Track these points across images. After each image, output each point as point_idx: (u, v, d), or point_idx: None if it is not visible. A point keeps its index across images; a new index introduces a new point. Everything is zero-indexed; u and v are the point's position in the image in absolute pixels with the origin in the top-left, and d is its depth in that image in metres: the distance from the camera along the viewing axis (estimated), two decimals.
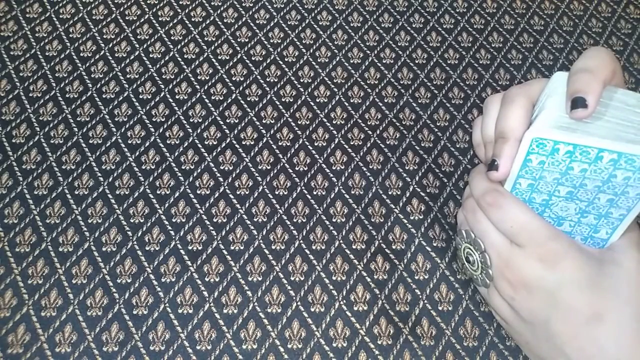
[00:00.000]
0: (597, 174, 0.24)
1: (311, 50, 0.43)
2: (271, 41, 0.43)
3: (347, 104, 0.40)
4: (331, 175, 0.37)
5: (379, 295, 0.33)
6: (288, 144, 0.38)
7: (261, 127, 0.39)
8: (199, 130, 0.38)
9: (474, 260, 0.28)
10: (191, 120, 0.39)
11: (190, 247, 0.34)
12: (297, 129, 0.39)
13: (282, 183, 0.37)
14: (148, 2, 0.44)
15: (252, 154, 0.38)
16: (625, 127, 0.23)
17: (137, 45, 0.42)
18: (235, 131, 0.39)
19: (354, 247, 0.35)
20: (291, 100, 0.40)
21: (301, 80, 0.41)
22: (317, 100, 0.40)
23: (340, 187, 0.37)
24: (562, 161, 0.24)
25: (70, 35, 0.42)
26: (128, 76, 0.41)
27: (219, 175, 0.37)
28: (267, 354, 0.31)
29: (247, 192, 0.36)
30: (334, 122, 0.39)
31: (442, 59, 0.43)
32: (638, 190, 0.24)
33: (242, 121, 0.39)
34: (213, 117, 0.39)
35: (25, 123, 0.38)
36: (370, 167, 0.38)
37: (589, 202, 0.25)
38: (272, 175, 0.37)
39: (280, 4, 0.45)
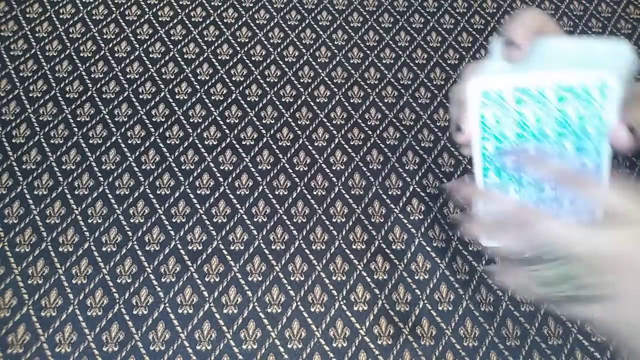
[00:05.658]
0: (549, 116, 0.24)
1: (311, 50, 0.43)
2: (271, 41, 0.43)
3: (347, 104, 0.40)
4: (331, 175, 0.37)
5: (379, 295, 0.33)
6: (288, 144, 0.38)
7: (261, 127, 0.39)
8: (199, 130, 0.38)
9: (565, 276, 0.22)
10: (191, 120, 0.39)
11: (190, 247, 0.34)
12: (297, 129, 0.39)
13: (282, 183, 0.37)
14: (148, 2, 0.44)
15: (252, 154, 0.38)
16: (560, 65, 0.24)
17: (137, 45, 0.42)
18: (235, 131, 0.39)
19: (354, 247, 0.35)
20: (291, 100, 0.40)
21: (301, 80, 0.41)
22: (317, 100, 0.40)
23: (340, 187, 0.37)
24: (513, 109, 0.24)
25: (70, 35, 0.42)
26: (128, 76, 0.41)
27: (219, 175, 0.37)
28: (267, 354, 0.31)
29: (247, 192, 0.36)
30: (334, 122, 0.39)
31: (442, 59, 0.43)
32: (597, 129, 0.24)
33: (242, 121, 0.39)
34: (213, 117, 0.39)
35: (25, 123, 0.38)
36: (370, 167, 0.38)
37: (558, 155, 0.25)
38: (272, 175, 0.37)
39: (280, 4, 0.45)
